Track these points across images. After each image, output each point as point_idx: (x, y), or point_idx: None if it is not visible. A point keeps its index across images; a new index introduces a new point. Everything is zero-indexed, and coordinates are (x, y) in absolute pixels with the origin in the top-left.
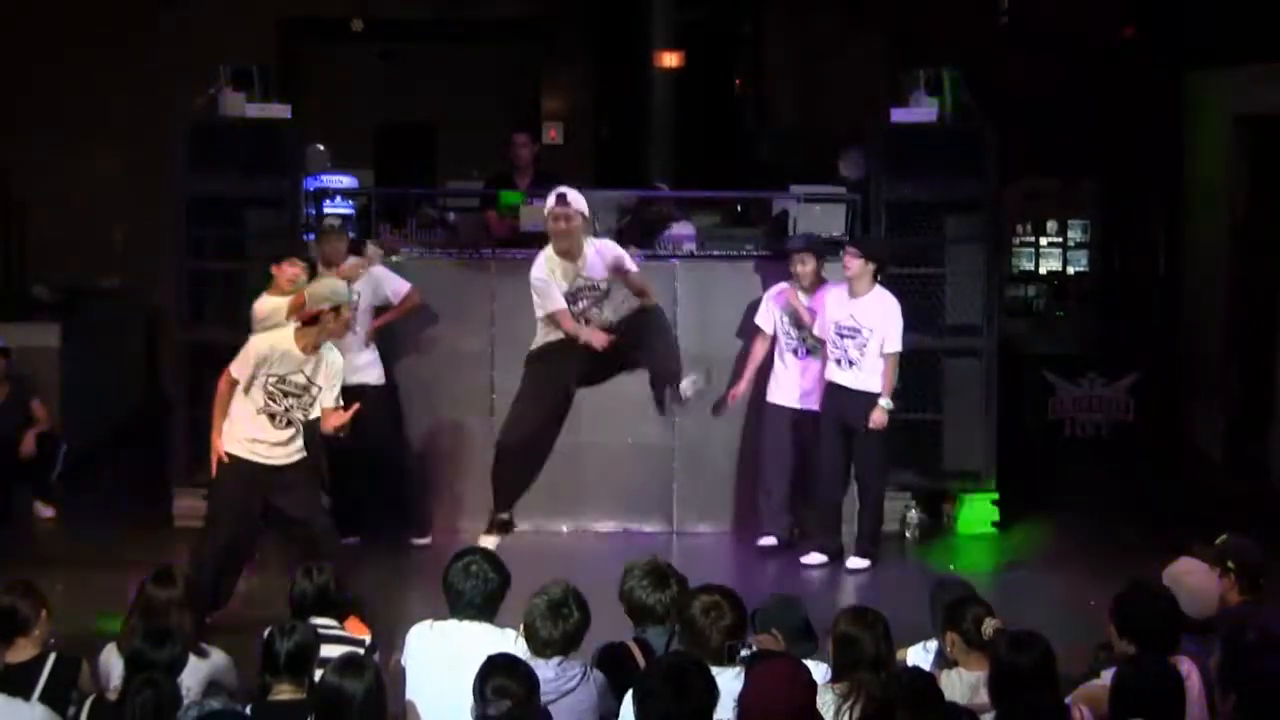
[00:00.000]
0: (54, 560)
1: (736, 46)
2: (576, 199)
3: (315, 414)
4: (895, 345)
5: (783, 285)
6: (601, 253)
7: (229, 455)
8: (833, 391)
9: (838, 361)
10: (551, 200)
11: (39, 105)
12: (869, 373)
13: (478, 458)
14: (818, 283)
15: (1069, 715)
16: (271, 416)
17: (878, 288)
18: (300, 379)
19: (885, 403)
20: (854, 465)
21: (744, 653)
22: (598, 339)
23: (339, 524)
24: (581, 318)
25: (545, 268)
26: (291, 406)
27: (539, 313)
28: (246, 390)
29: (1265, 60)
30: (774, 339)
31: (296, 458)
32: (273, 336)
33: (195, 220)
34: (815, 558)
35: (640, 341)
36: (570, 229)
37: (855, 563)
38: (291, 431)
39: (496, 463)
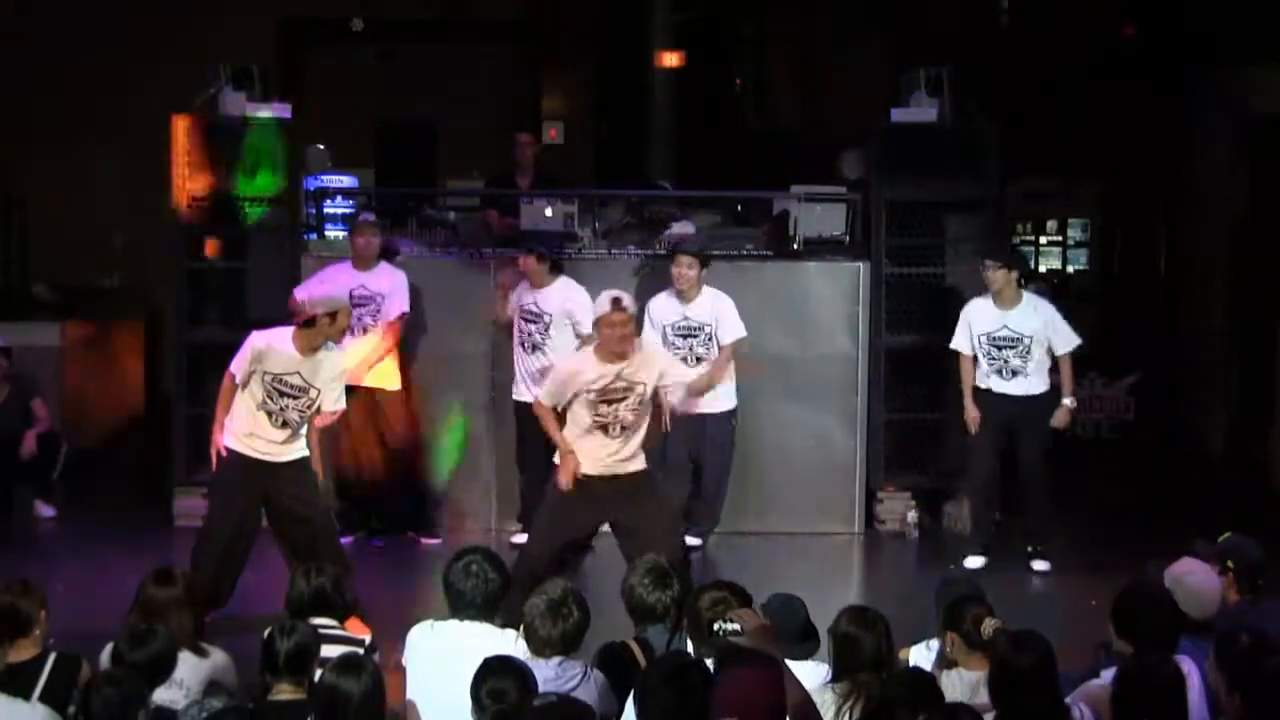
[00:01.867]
0: (54, 560)
1: (736, 46)
2: (630, 303)
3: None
4: (1068, 345)
5: None
6: (648, 359)
7: (228, 450)
8: (994, 401)
9: (999, 372)
10: (607, 304)
11: (39, 105)
12: (1036, 376)
13: (479, 457)
14: (697, 291)
15: (1069, 715)
16: (269, 414)
17: (1025, 294)
18: (297, 380)
19: (1069, 401)
20: (1021, 468)
21: (726, 626)
22: (565, 477)
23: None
24: (614, 423)
25: (581, 363)
26: (287, 406)
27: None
28: (245, 386)
29: (1266, 60)
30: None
31: (295, 456)
32: (271, 334)
33: (195, 220)
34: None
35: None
36: (627, 334)
37: (973, 562)
38: (288, 432)
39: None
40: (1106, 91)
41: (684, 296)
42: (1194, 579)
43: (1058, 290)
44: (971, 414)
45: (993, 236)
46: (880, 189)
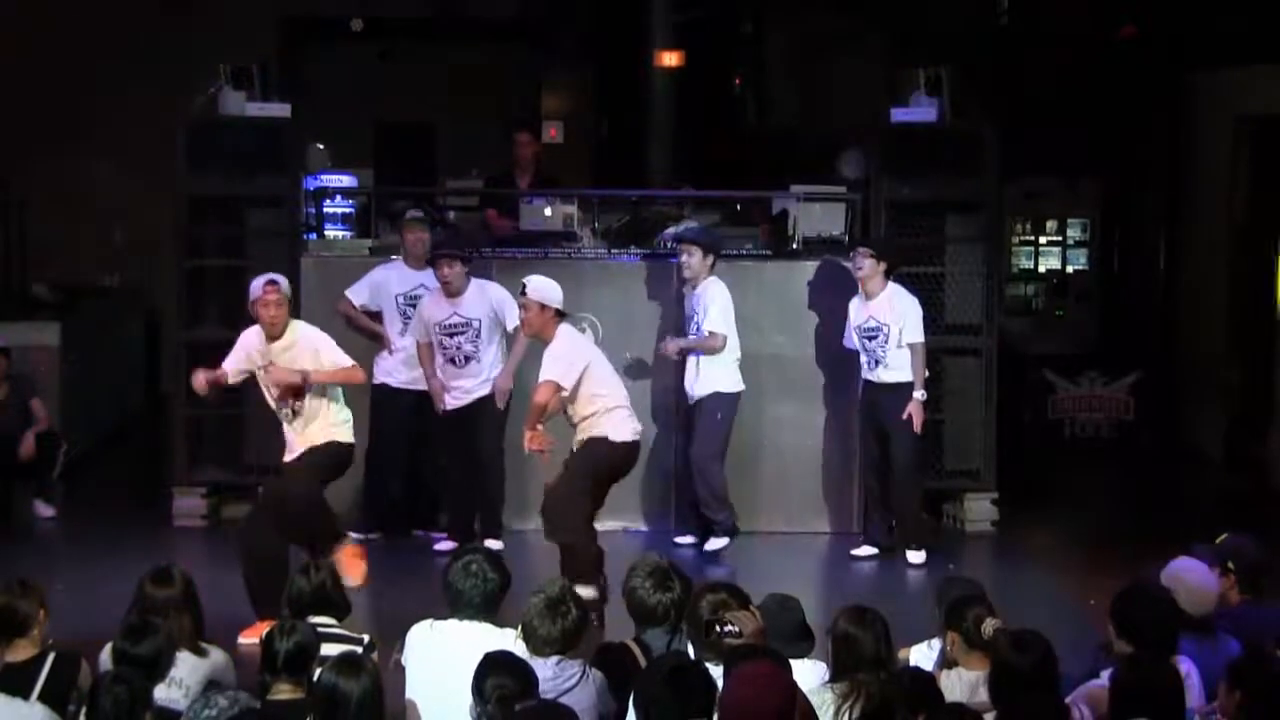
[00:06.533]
0: (54, 560)
1: (736, 45)
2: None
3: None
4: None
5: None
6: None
7: None
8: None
9: (871, 363)
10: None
11: (39, 105)
12: (896, 368)
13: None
14: (701, 280)
15: (1069, 715)
16: (284, 417)
17: (891, 284)
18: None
19: (919, 394)
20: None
21: (724, 628)
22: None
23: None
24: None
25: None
26: (288, 400)
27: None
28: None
29: (1265, 60)
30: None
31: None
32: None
33: (195, 220)
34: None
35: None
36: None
37: (915, 556)
38: (302, 421)
39: None
40: (1106, 92)
41: (689, 284)
42: (1192, 576)
43: (1057, 289)
44: None
45: (992, 236)
46: (880, 189)
